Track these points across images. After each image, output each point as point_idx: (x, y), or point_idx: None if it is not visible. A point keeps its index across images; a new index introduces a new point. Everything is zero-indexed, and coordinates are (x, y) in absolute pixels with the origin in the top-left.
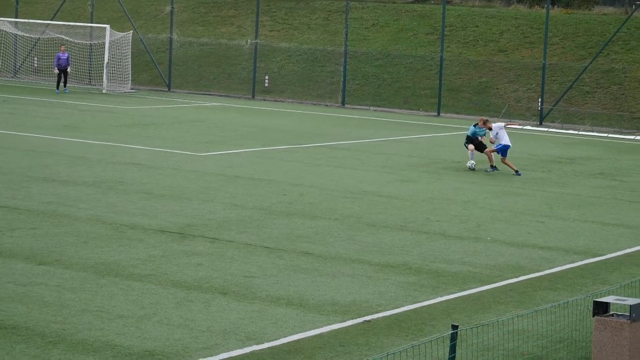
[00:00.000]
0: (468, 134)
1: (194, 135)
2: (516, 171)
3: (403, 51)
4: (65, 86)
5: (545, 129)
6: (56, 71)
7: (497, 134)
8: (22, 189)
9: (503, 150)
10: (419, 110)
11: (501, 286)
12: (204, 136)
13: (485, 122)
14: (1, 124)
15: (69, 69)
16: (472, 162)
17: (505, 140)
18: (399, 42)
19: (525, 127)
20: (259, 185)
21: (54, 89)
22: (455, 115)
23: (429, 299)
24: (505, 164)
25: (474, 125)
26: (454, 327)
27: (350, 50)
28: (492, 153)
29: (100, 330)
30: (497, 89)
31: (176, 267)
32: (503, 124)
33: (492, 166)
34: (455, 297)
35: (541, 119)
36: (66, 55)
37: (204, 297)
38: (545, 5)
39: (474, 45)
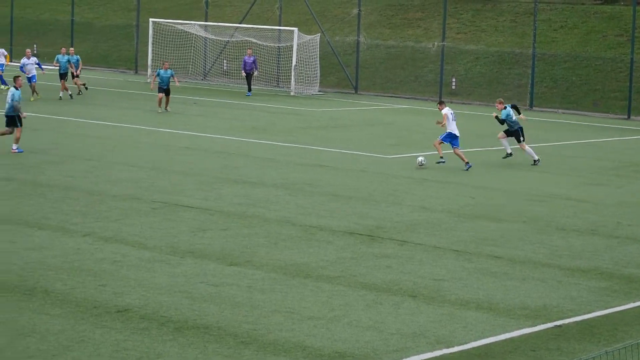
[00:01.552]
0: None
1: (381, 137)
2: (466, 163)
3: (592, 53)
4: (249, 90)
5: None
6: (243, 74)
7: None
8: (214, 191)
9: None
10: (608, 112)
11: None
12: (391, 139)
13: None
14: (193, 126)
15: (255, 73)
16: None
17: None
18: (588, 44)
19: None
20: (447, 187)
21: (242, 92)
22: None
23: (621, 305)
24: (457, 154)
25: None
26: None
27: (538, 52)
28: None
29: (291, 331)
30: None
31: (365, 269)
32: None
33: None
34: None
35: None
36: (252, 59)
37: (394, 299)
38: None
39: None
